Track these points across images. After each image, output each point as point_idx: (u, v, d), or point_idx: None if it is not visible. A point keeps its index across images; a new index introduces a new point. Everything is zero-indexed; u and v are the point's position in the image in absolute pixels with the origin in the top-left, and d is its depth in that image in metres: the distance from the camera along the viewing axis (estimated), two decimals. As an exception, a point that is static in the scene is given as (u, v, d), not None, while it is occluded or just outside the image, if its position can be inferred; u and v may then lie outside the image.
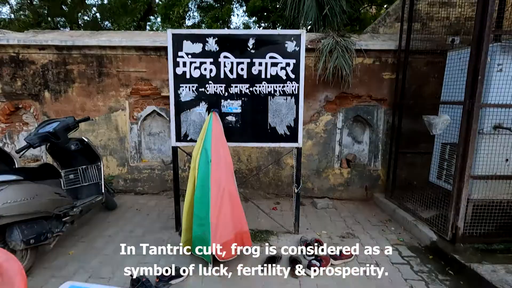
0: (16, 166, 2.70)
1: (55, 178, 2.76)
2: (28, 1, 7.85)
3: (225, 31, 2.77)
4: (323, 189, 4.04)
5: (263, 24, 10.54)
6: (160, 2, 11.82)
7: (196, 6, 10.98)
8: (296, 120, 2.79)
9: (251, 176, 3.96)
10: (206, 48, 2.70)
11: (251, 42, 2.69)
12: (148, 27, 14.68)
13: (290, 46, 2.69)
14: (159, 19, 13.92)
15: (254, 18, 10.49)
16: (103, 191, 3.13)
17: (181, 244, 2.58)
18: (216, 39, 2.70)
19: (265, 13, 8.95)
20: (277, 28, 9.47)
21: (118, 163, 3.97)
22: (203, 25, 9.70)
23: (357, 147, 4.16)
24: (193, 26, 10.58)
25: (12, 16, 8.87)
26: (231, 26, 11.81)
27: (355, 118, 4.01)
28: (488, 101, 2.59)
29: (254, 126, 2.81)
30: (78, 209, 2.65)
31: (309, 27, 4.01)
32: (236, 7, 11.28)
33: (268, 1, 7.19)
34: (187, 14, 10.42)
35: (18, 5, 8.93)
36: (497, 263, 2.37)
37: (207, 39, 2.69)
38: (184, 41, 2.69)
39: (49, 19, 8.31)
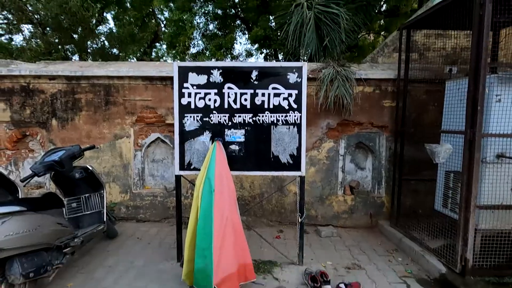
0: (20, 195, 2.71)
1: (57, 207, 2.75)
2: (41, 31, 8.22)
3: (229, 63, 2.88)
4: (327, 217, 3.98)
5: (265, 51, 10.92)
6: (166, 31, 12.37)
7: (200, 34, 11.47)
8: (299, 148, 2.81)
9: (254, 203, 3.93)
10: (211, 80, 2.79)
11: (254, 74, 2.78)
12: (154, 54, 15.25)
13: (292, 77, 2.77)
14: (164, 46, 14.49)
15: (256, 46, 10.87)
16: (105, 219, 3.11)
17: (182, 277, 2.52)
18: (221, 71, 2.79)
19: (267, 41, 9.31)
20: (279, 55, 9.79)
21: (121, 190, 3.97)
22: (207, 52, 10.05)
23: (360, 173, 4.15)
24: (198, 53, 10.98)
25: (25, 44, 9.30)
26: (234, 53, 12.25)
27: (357, 144, 4.03)
28: (489, 131, 2.61)
29: (257, 155, 2.83)
30: (79, 240, 2.62)
31: (309, 56, 4.14)
32: (239, 35, 11.76)
33: (269, 30, 7.48)
34: (192, 42, 10.85)
35: (31, 34, 9.37)
36: (510, 298, 2.28)
37: (211, 71, 2.79)
38: (190, 73, 2.79)
39: (59, 47, 8.65)
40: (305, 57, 4.13)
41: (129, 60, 12.75)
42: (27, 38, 9.37)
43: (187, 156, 2.85)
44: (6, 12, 8.67)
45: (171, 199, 3.92)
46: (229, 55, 11.32)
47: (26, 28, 9.41)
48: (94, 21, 11.51)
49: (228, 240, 2.39)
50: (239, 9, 10.98)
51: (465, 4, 2.61)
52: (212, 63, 2.92)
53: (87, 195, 3.08)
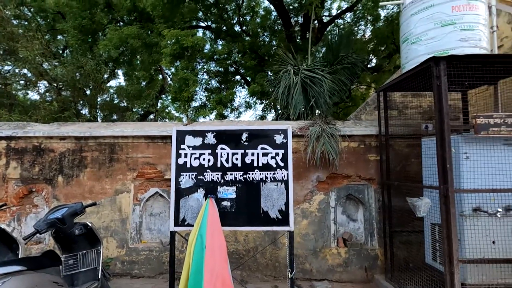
0: (20, 253, 2.84)
1: (55, 265, 2.85)
2: (56, 91, 8.97)
3: (222, 127, 3.21)
4: (321, 271, 3.96)
5: (264, 102, 11.67)
6: (171, 83, 13.34)
7: (203, 89, 12.36)
8: (287, 204, 2.99)
9: (249, 257, 3.96)
10: (205, 141, 3.10)
11: (244, 136, 3.09)
12: (160, 104, 16.19)
13: (279, 138, 3.07)
14: (170, 97, 15.45)
15: (254, 99, 11.64)
16: (99, 276, 3.16)
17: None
18: (214, 133, 3.11)
19: (264, 95, 10.02)
20: (277, 105, 10.45)
21: (118, 244, 4.04)
22: (208, 104, 10.72)
23: (353, 225, 4.23)
24: (200, 106, 11.71)
25: (39, 99, 10.06)
26: (234, 105, 13.04)
27: (348, 196, 4.19)
28: (462, 186, 2.81)
29: (248, 211, 3.00)
30: (73, 299, 2.67)
31: (298, 115, 4.52)
32: (238, 90, 12.65)
33: (265, 86, 8.14)
34: (195, 97, 11.64)
35: (46, 89, 10.19)
36: None
37: (206, 134, 3.11)
38: (187, 136, 3.11)
39: (72, 104, 9.34)
40: (294, 116, 4.50)
41: (135, 111, 13.56)
42: (42, 93, 10.20)
43: (182, 213, 3.02)
44: (25, 69, 9.59)
45: (166, 254, 3.96)
46: (228, 108, 12.04)
47: (42, 84, 10.32)
48: (106, 77, 12.60)
49: (218, 297, 2.44)
50: (239, 67, 12.02)
51: (426, 73, 3.01)
52: (207, 126, 3.26)
53: (84, 251, 3.17)
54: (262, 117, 11.82)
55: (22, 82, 10.62)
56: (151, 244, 4.12)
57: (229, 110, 12.83)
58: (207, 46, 11.39)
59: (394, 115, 4.29)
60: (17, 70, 9.59)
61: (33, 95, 11.75)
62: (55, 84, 9.79)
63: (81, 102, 10.49)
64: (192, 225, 2.90)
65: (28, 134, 4.08)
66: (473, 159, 2.84)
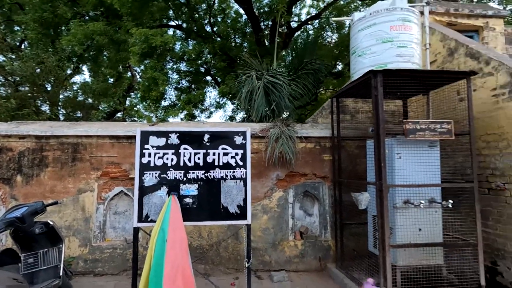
0: (-23, 253, 2.82)
1: (14, 263, 2.87)
2: (14, 88, 8.51)
3: (185, 128, 3.40)
4: (280, 262, 4.29)
5: (234, 103, 11.88)
6: (141, 81, 13.07)
7: (173, 88, 12.30)
8: (245, 200, 3.25)
9: (212, 251, 4.17)
10: (169, 142, 3.27)
11: (206, 137, 3.31)
12: (128, 102, 15.76)
13: (238, 139, 3.33)
14: (139, 95, 15.13)
15: (224, 99, 11.83)
16: (61, 274, 3.20)
17: (133, 326, 2.67)
18: (178, 134, 3.29)
19: (234, 96, 10.25)
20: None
21: (80, 243, 4.06)
22: (178, 104, 10.72)
23: (309, 219, 4.61)
24: (169, 106, 11.65)
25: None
26: (206, 105, 13.13)
27: (305, 193, 4.56)
28: (395, 182, 3.26)
29: (209, 206, 3.22)
30: (33, 295, 2.72)
31: (260, 117, 4.82)
32: (209, 90, 12.75)
33: (234, 88, 8.37)
34: (164, 96, 11.56)
35: (1, 88, 9.58)
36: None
37: (170, 134, 3.28)
38: (151, 136, 3.26)
39: (31, 100, 8.90)
40: (257, 118, 4.80)
41: (102, 109, 13.12)
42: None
43: (145, 209, 3.17)
44: None
45: (130, 251, 4.05)
46: (198, 108, 12.11)
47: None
48: (69, 72, 12.06)
49: (178, 287, 2.64)
50: (209, 67, 12.12)
51: (367, 84, 3.43)
52: (171, 128, 3.42)
53: (45, 250, 3.20)
54: (232, 118, 12.03)
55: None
56: (115, 242, 4.18)
57: (200, 111, 12.91)
58: (178, 46, 11.39)
59: (347, 119, 4.74)
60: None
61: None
62: (12, 79, 9.26)
63: (41, 99, 10.01)
64: (155, 221, 3.07)
65: (-16, 133, 3.96)
66: (404, 159, 3.30)
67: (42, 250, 3.19)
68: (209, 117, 13.50)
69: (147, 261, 2.79)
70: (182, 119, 11.78)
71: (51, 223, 3.27)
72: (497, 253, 3.46)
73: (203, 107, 12.84)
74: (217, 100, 13.10)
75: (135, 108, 16.73)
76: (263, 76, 4.89)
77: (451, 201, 3.15)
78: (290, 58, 8.36)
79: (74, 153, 4.14)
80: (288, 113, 4.98)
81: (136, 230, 3.14)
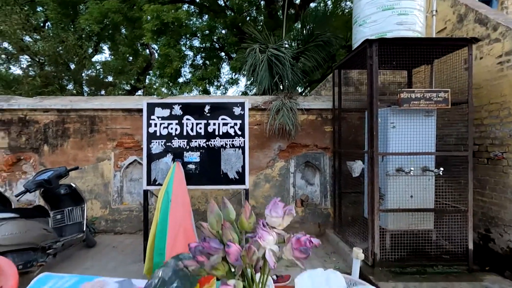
0: (13, 207, 3.31)
1: (44, 217, 3.35)
2: (39, 67, 9.07)
3: (187, 100, 3.63)
4: (281, 227, 4.58)
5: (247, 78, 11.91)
6: (158, 59, 13.34)
7: (188, 65, 12.47)
8: (243, 166, 3.50)
9: (218, 215, 4.53)
10: (173, 113, 3.52)
11: (207, 108, 3.53)
12: (147, 80, 16.21)
13: (237, 110, 3.52)
14: (155, 72, 15.49)
15: (236, 75, 11.91)
16: (84, 229, 3.69)
17: (144, 272, 3.09)
18: (181, 106, 3.53)
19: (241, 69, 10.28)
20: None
21: (101, 205, 4.56)
22: (191, 82, 10.94)
23: (310, 188, 4.82)
24: (184, 83, 11.90)
25: (21, 73, 10.09)
26: (221, 82, 13.26)
27: (306, 163, 4.73)
28: (388, 151, 3.35)
29: (210, 172, 3.50)
30: (61, 243, 3.20)
31: (263, 90, 4.94)
32: (223, 66, 12.80)
33: (239, 62, 8.42)
34: (180, 72, 11.79)
35: (28, 64, 10.19)
36: (401, 281, 2.90)
37: (173, 106, 3.52)
38: (156, 108, 3.52)
39: (55, 79, 9.46)
40: (260, 91, 4.92)
41: (122, 87, 13.64)
42: (25, 68, 10.22)
43: (153, 174, 3.51)
44: (6, 43, 9.56)
45: (145, 213, 4.50)
46: (214, 85, 12.27)
47: (24, 58, 10.31)
48: (90, 51, 12.52)
49: (180, 242, 2.98)
50: (223, 43, 12.10)
51: (365, 54, 3.43)
52: (174, 100, 3.66)
53: (70, 208, 3.68)
54: (245, 93, 12.12)
55: (3, 56, 10.59)
56: (131, 205, 4.64)
57: (215, 87, 13.06)
58: (193, 21, 11.38)
59: (351, 91, 4.75)
60: (-4, 45, 9.57)
61: (16, 70, 11.70)
62: (37, 59, 9.82)
63: (65, 77, 10.58)
64: (162, 184, 3.40)
65: (13, 107, 4.42)
66: (399, 128, 3.35)
67: (67, 208, 3.67)
68: (224, 93, 13.65)
69: (154, 219, 3.15)
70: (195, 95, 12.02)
71: (74, 185, 3.71)
72: (491, 221, 3.52)
73: (218, 84, 12.99)
74: (230, 76, 13.16)
75: (154, 86, 17.19)
76: (267, 49, 4.93)
77: (441, 169, 3.22)
78: (299, 31, 8.18)
79: (92, 125, 4.53)
80: (293, 86, 5.03)
81: (146, 192, 3.50)
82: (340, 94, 4.35)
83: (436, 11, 3.91)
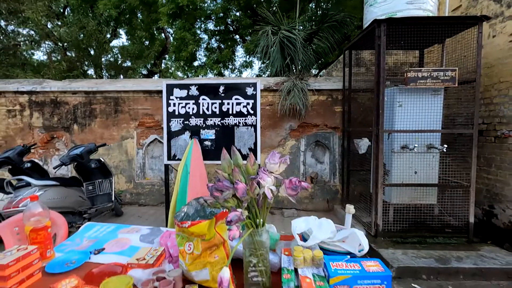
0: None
1: (79, 187, 3.78)
2: (63, 52, 9.53)
3: (203, 81, 3.86)
4: (291, 202, 4.87)
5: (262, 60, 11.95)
6: (174, 43, 13.57)
7: (204, 48, 12.63)
8: (255, 143, 3.74)
9: (232, 190, 4.86)
10: (190, 93, 3.78)
11: (221, 88, 3.76)
12: (164, 64, 16.54)
13: (249, 90, 3.73)
14: (171, 56, 15.75)
15: (250, 57, 11.98)
16: (113, 199, 4.11)
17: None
18: (197, 86, 3.78)
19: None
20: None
21: (126, 180, 4.98)
22: (206, 65, 11.14)
23: (320, 166, 5.03)
24: (199, 66, 12.12)
25: (46, 58, 10.64)
26: (236, 64, 13.36)
27: (316, 142, 4.93)
28: (394, 128, 3.48)
29: (224, 149, 3.77)
30: (94, 209, 3.63)
31: (276, 71, 5.09)
32: (237, 49, 12.86)
33: (252, 44, 8.50)
34: (196, 55, 12.00)
35: (52, 49, 10.68)
36: (400, 249, 3.12)
37: (190, 87, 3.78)
38: (175, 88, 3.79)
39: (78, 64, 9.93)
40: (272, 72, 5.07)
41: (139, 71, 14.06)
42: (48, 52, 10.75)
43: (173, 150, 3.83)
44: (29, 29, 10.06)
45: (165, 187, 4.89)
46: (228, 68, 12.41)
47: (47, 44, 10.82)
48: (108, 36, 12.91)
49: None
50: (237, 25, 12.11)
51: (373, 34, 3.52)
52: (191, 81, 3.90)
53: (99, 180, 4.09)
54: (258, 75, 12.19)
55: (27, 42, 11.15)
56: (153, 180, 5.05)
57: (230, 70, 13.19)
58: (207, 3, 11.43)
59: (362, 72, 4.82)
60: (21, 31, 10.05)
61: (40, 56, 12.29)
62: (61, 44, 10.29)
63: (86, 62, 11.06)
64: (181, 159, 3.72)
65: (45, 89, 4.82)
66: (405, 107, 3.47)
67: (97, 180, 4.09)
68: (239, 76, 13.76)
69: (175, 189, 3.49)
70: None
71: (102, 160, 4.11)
72: (495, 197, 3.64)
73: (233, 67, 13.11)
74: (245, 59, 13.22)
75: (169, 70, 17.52)
76: (279, 31, 5.03)
77: (445, 145, 3.33)
78: (314, 11, 8.12)
79: (116, 105, 4.88)
80: (305, 67, 5.14)
81: (167, 166, 3.84)
82: (350, 75, 4.45)
83: (450, -12, 3.87)
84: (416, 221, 3.53)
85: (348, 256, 1.20)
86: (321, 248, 1.31)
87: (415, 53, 4.73)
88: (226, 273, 1.05)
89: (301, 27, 6.03)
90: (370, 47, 4.15)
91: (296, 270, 1.14)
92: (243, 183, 1.07)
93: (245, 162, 1.21)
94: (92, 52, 11.11)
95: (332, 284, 1.05)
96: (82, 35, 9.43)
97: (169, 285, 1.10)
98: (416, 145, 3.36)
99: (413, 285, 2.65)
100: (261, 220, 1.15)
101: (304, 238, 1.39)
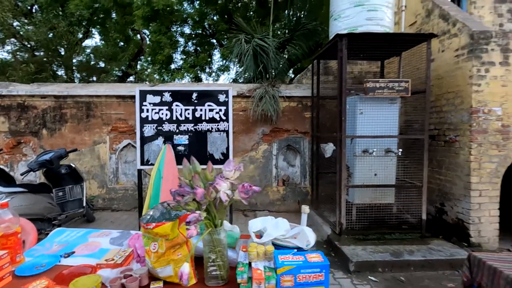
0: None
1: (48, 193, 3.72)
2: (31, 53, 9.15)
3: (176, 87, 3.96)
4: (264, 204, 5.05)
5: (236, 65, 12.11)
6: (150, 44, 13.37)
7: (180, 52, 12.60)
8: (227, 148, 3.89)
9: (206, 194, 4.96)
10: (163, 99, 3.86)
11: (194, 95, 3.87)
12: (139, 66, 16.22)
13: (222, 97, 3.87)
14: (147, 59, 15.50)
15: (226, 62, 12.13)
16: (84, 205, 4.08)
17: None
18: (170, 93, 3.86)
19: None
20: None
21: (99, 185, 4.94)
22: (183, 69, 11.14)
23: (291, 169, 5.27)
24: (176, 69, 12.08)
25: (9, 57, 10.11)
26: (213, 68, 13.43)
27: (288, 147, 5.16)
28: (356, 134, 3.77)
29: (197, 153, 3.88)
30: (64, 216, 3.60)
31: (249, 78, 5.28)
32: (214, 53, 12.96)
33: (226, 51, 8.68)
34: (173, 60, 11.94)
35: (17, 48, 10.16)
36: (361, 245, 3.39)
37: (163, 93, 3.86)
38: (148, 95, 3.85)
39: (47, 65, 9.57)
40: (245, 79, 5.25)
41: (114, 73, 13.72)
42: (13, 51, 10.22)
43: (146, 155, 3.88)
44: None
45: (139, 192, 4.90)
46: (205, 72, 12.47)
47: (12, 42, 10.29)
48: (80, 36, 12.50)
49: (171, 212, 3.41)
50: (214, 30, 12.22)
51: (336, 47, 3.80)
52: (164, 87, 3.98)
53: (70, 186, 4.05)
54: (235, 80, 12.36)
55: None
56: (126, 185, 5.04)
57: (207, 74, 13.23)
58: (184, 6, 11.42)
59: (331, 80, 5.12)
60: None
61: (3, 54, 11.64)
62: (28, 44, 9.86)
63: (56, 63, 10.66)
64: (154, 164, 3.79)
65: (12, 93, 4.68)
66: (366, 114, 3.77)
67: (68, 186, 4.05)
68: (216, 80, 13.84)
69: (148, 194, 3.55)
70: (189, 82, 12.21)
71: (73, 165, 4.08)
72: (445, 196, 4.03)
73: (210, 70, 13.17)
74: (221, 63, 13.33)
75: (146, 72, 17.20)
76: (252, 39, 5.24)
77: (400, 150, 3.67)
78: (285, 19, 8.42)
79: (88, 110, 4.84)
80: (278, 74, 5.38)
81: (140, 171, 3.88)
82: (318, 83, 4.73)
83: (405, 6, 4.26)
84: (376, 219, 3.83)
85: (295, 250, 1.38)
86: (275, 244, 1.49)
87: (378, 63, 5.11)
88: (186, 268, 1.20)
89: (276, 35, 6.27)
90: (335, 58, 4.44)
91: (250, 264, 1.31)
92: (202, 188, 1.22)
93: (221, 166, 1.35)
94: (63, 53, 10.75)
95: (279, 273, 1.22)
96: (51, 35, 9.13)
97: (135, 281, 1.22)
98: (375, 150, 3.67)
99: (369, 277, 2.91)
100: (219, 220, 1.30)
101: (262, 236, 1.56)
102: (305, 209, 1.88)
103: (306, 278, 1.23)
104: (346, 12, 3.94)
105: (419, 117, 4.09)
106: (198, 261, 1.37)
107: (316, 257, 1.30)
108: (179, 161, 3.76)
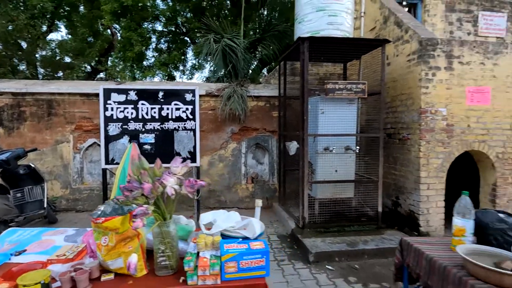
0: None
1: (4, 194, 3.58)
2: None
3: (142, 86, 3.94)
4: (233, 201, 5.16)
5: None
6: (121, 40, 12.91)
7: (153, 49, 12.32)
8: (194, 147, 3.95)
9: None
10: (128, 98, 3.84)
11: (160, 94, 3.88)
12: (110, 62, 15.60)
13: (188, 96, 3.92)
14: (116, 55, 14.97)
15: (199, 61, 12.06)
16: (45, 206, 3.95)
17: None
18: (136, 91, 3.85)
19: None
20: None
21: (62, 186, 4.78)
22: (154, 66, 10.93)
23: (260, 167, 5.41)
24: (148, 67, 11.81)
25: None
26: (187, 66, 13.26)
27: (257, 145, 5.29)
28: (318, 133, 3.98)
29: (164, 152, 3.90)
30: (22, 218, 3.48)
31: (217, 78, 5.35)
32: (187, 51, 12.82)
33: (196, 49, 8.67)
34: (145, 57, 11.64)
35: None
36: (321, 237, 3.59)
37: (129, 91, 3.83)
38: (112, 93, 3.81)
39: (6, 59, 9.01)
40: (214, 79, 5.32)
41: (81, 69, 13.12)
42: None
43: (111, 154, 3.84)
44: None
45: (106, 192, 4.81)
46: (179, 69, 12.30)
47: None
48: (44, 29, 11.81)
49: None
50: (187, 28, 12.08)
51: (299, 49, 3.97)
52: (129, 86, 3.96)
53: (29, 187, 3.91)
54: (208, 79, 12.33)
55: None
56: (92, 185, 4.92)
57: (181, 72, 13.04)
58: (157, 2, 11.16)
59: (297, 80, 5.30)
60: None
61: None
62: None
63: (17, 58, 10.04)
64: (119, 163, 3.75)
65: (-36, 89, 4.41)
66: (327, 114, 3.98)
67: (27, 187, 3.90)
68: (190, 78, 13.69)
69: (112, 193, 3.51)
70: (161, 80, 11.99)
71: (33, 165, 3.93)
72: (400, 190, 4.35)
73: (183, 69, 13.00)
74: (194, 61, 13.22)
75: (117, 69, 16.58)
76: (222, 39, 5.31)
77: (358, 147, 3.93)
78: (257, 19, 8.56)
79: (49, 108, 4.66)
80: (246, 74, 5.49)
81: (104, 170, 3.84)
82: (285, 83, 4.90)
83: (364, 12, 4.54)
84: (337, 213, 4.06)
85: (240, 239, 1.50)
86: (225, 235, 1.59)
87: (341, 65, 5.38)
88: (133, 258, 1.27)
89: (248, 35, 6.37)
90: (299, 59, 4.63)
91: (199, 253, 1.40)
92: (150, 183, 1.30)
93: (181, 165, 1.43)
94: (24, 47, 10.13)
95: (224, 260, 1.33)
96: (10, 27, 8.59)
97: (85, 274, 1.28)
98: (334, 147, 3.89)
99: (327, 266, 3.11)
100: (169, 214, 1.39)
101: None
102: (258, 202, 2.01)
103: (248, 264, 1.35)
104: (309, 16, 4.12)
105: (378, 117, 4.39)
106: (151, 254, 1.44)
107: (258, 245, 1.43)
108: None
